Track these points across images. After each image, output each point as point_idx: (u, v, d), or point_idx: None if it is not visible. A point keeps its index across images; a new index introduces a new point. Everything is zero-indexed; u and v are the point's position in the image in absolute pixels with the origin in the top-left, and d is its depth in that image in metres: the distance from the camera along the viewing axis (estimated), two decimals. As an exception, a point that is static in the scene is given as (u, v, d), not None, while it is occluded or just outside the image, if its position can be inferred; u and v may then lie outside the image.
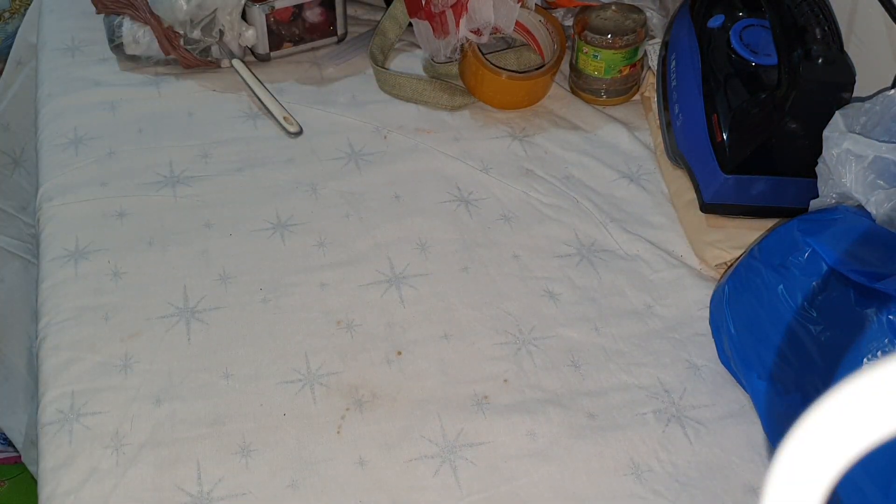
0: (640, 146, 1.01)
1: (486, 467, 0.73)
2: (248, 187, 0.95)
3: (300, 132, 1.01)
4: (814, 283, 0.69)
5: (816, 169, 0.79)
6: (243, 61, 1.08)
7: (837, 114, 0.78)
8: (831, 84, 0.81)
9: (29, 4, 1.26)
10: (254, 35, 1.08)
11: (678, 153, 0.95)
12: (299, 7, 1.09)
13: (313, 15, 1.10)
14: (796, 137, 0.84)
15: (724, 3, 0.98)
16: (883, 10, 0.88)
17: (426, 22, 1.05)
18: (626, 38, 1.02)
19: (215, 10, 1.04)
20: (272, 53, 1.10)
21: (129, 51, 1.07)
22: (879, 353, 0.61)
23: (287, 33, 1.10)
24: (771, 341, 0.71)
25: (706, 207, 0.91)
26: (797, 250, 0.70)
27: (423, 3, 1.04)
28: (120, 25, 1.07)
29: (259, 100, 1.04)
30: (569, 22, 1.10)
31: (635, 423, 0.76)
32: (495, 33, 1.05)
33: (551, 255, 0.90)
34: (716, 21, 0.96)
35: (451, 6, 1.02)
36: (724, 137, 0.89)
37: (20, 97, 1.26)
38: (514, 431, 0.75)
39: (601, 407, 0.77)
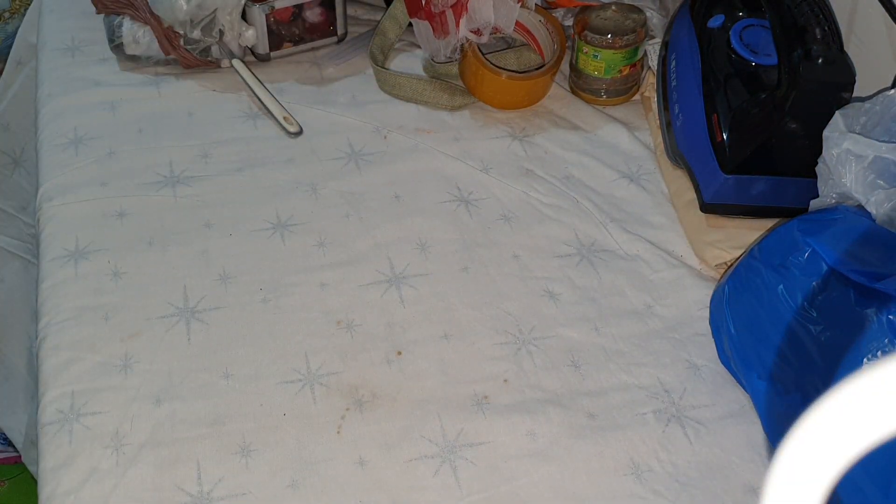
0: (640, 146, 1.01)
1: (486, 467, 0.73)
2: (248, 187, 0.95)
3: (300, 132, 1.01)
4: (814, 283, 0.69)
5: (816, 169, 0.79)
6: (243, 61, 1.08)
7: (837, 114, 0.78)
8: (831, 84, 0.81)
9: (29, 4, 1.26)
10: (254, 35, 1.08)
11: (678, 153, 0.95)
12: (299, 7, 1.09)
13: (313, 15, 1.10)
14: (796, 137, 0.84)
15: (724, 3, 0.98)
16: (883, 10, 0.88)
17: (426, 22, 1.05)
18: (626, 38, 1.02)
19: (215, 10, 1.04)
20: (272, 53, 1.10)
21: (129, 51, 1.07)
22: (879, 353, 0.61)
23: (287, 33, 1.10)
24: (771, 341, 0.71)
25: (706, 207, 0.91)
26: (797, 250, 0.70)
27: (423, 3, 1.04)
28: (120, 25, 1.07)
29: (259, 100, 1.04)
30: (569, 22, 1.10)
31: (635, 423, 0.76)
32: (495, 33, 1.05)
33: (551, 255, 0.90)
34: (716, 21, 0.96)
35: (451, 6, 1.02)
36: (724, 137, 0.89)
37: (20, 97, 1.26)
38: (514, 431, 0.75)
39: (601, 407, 0.77)
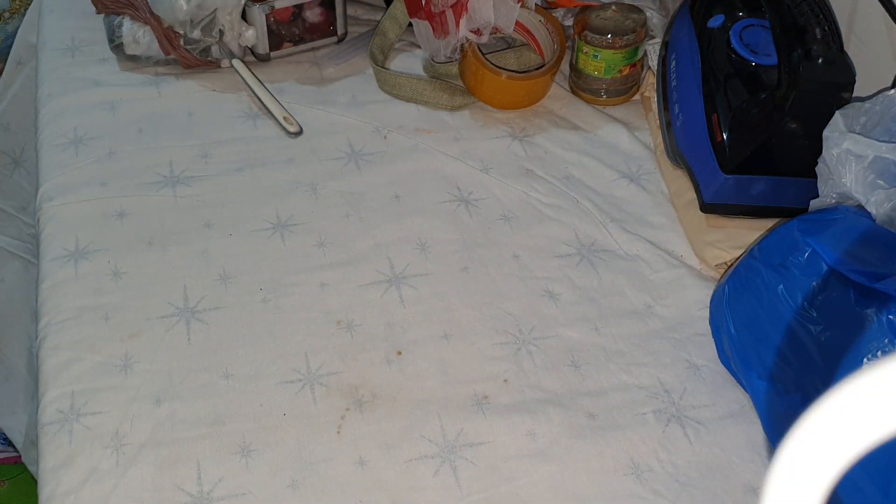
0: (640, 146, 1.01)
1: (486, 467, 0.73)
2: (248, 187, 0.95)
3: (300, 132, 1.01)
4: (814, 283, 0.69)
5: (816, 169, 0.80)
6: (243, 61, 1.08)
7: (837, 114, 0.78)
8: (831, 84, 0.81)
9: (29, 4, 1.26)
10: (254, 35, 1.08)
11: (678, 153, 0.95)
12: (299, 7, 1.09)
13: (313, 15, 1.10)
14: (796, 137, 0.84)
15: (724, 3, 0.98)
16: (883, 10, 0.88)
17: (426, 22, 1.05)
18: (626, 38, 1.02)
19: (215, 10, 1.04)
20: (272, 53, 1.10)
21: (129, 51, 1.07)
22: (879, 353, 0.61)
23: (287, 33, 1.10)
24: (771, 341, 0.71)
25: (706, 207, 0.91)
26: (797, 250, 0.70)
27: (423, 3, 1.04)
28: (120, 25, 1.07)
29: (259, 100, 1.04)
30: (569, 22, 1.10)
31: (635, 423, 0.76)
32: (495, 33, 1.05)
33: (551, 255, 0.90)
34: (716, 21, 0.96)
35: (451, 6, 1.02)
36: (724, 137, 0.89)
37: (20, 97, 1.26)
38: (514, 431, 0.75)
39: (601, 407, 0.77)
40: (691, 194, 0.93)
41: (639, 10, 1.03)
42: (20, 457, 1.38)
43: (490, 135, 1.02)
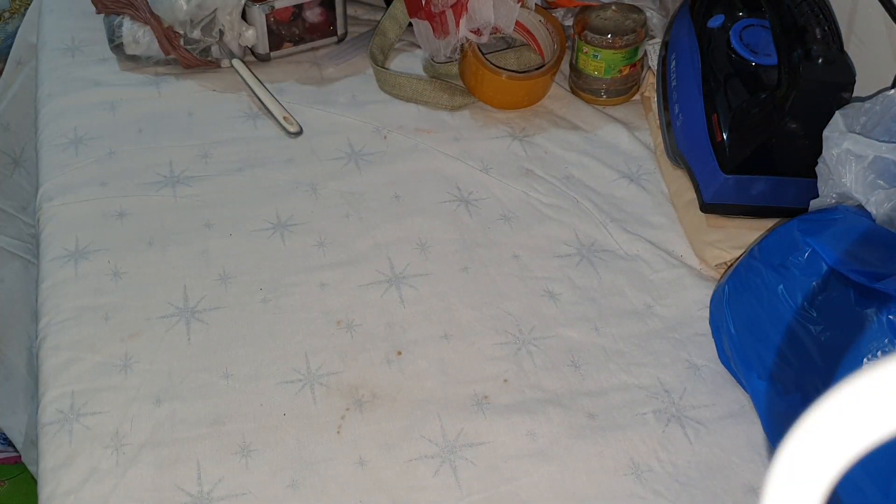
0: (640, 146, 1.01)
1: (486, 467, 0.73)
2: (248, 187, 0.95)
3: (300, 132, 1.01)
4: (814, 283, 0.69)
5: (816, 169, 0.80)
6: (243, 61, 1.08)
7: (837, 114, 0.78)
8: (831, 84, 0.81)
9: (29, 4, 1.26)
10: (254, 35, 1.08)
11: (678, 153, 0.95)
12: (299, 7, 1.09)
13: (313, 15, 1.10)
14: (796, 137, 0.84)
15: (724, 3, 0.98)
16: (883, 10, 0.88)
17: (426, 22, 1.05)
18: (626, 38, 1.02)
19: (215, 10, 1.04)
20: (272, 53, 1.10)
21: (129, 51, 1.07)
22: (879, 353, 0.61)
23: (287, 33, 1.10)
24: (771, 341, 0.71)
25: (706, 207, 0.91)
26: (797, 250, 0.70)
27: (423, 3, 1.04)
28: (120, 25, 1.07)
29: (259, 100, 1.04)
30: (569, 22, 1.10)
31: (635, 423, 0.76)
32: (495, 33, 1.05)
33: (551, 255, 0.90)
34: (716, 21, 0.96)
35: (451, 6, 1.02)
36: (724, 137, 0.89)
37: (20, 97, 1.26)
38: (514, 431, 0.75)
39: (601, 407, 0.77)
40: (691, 194, 0.93)
41: (639, 10, 1.03)
42: (20, 457, 1.38)
43: (490, 135, 1.02)
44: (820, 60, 0.81)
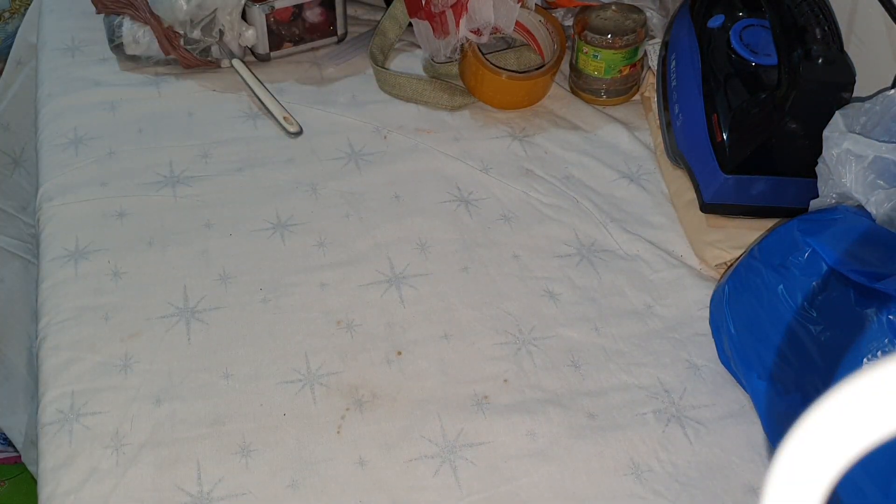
0: (640, 146, 1.01)
1: (486, 467, 0.73)
2: (248, 187, 0.95)
3: (300, 132, 1.01)
4: (814, 283, 0.69)
5: (816, 169, 0.80)
6: (243, 61, 1.08)
7: (837, 114, 0.78)
8: (831, 84, 0.81)
9: (29, 4, 1.26)
10: (254, 35, 1.08)
11: (678, 153, 0.95)
12: (299, 7, 1.09)
13: (313, 15, 1.10)
14: (796, 137, 0.84)
15: (724, 3, 0.98)
16: (883, 10, 0.88)
17: (426, 22, 1.05)
18: (626, 38, 1.02)
19: (215, 10, 1.04)
20: (272, 53, 1.10)
21: (129, 51, 1.07)
22: (879, 353, 0.61)
23: (287, 33, 1.10)
24: (771, 341, 0.71)
25: (706, 207, 0.91)
26: (797, 250, 0.70)
27: (423, 3, 1.04)
28: (120, 25, 1.07)
29: (259, 100, 1.04)
30: (569, 22, 1.10)
31: (635, 423, 0.76)
32: (495, 33, 1.05)
33: (551, 255, 0.90)
34: (716, 21, 0.96)
35: (451, 6, 1.02)
36: (724, 137, 0.89)
37: (20, 97, 1.26)
38: (514, 431, 0.75)
39: (601, 407, 0.77)
40: (691, 194, 0.93)
41: (639, 10, 1.03)
42: (20, 457, 1.38)
43: (490, 135, 1.02)
44: (820, 60, 0.81)
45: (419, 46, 1.10)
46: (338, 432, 0.74)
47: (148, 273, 0.86)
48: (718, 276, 0.88)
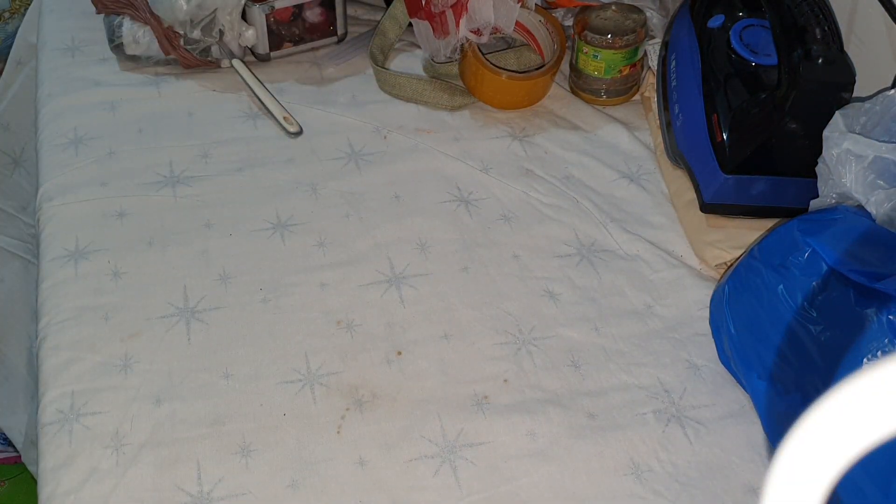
0: (640, 146, 1.01)
1: (486, 467, 0.73)
2: (248, 187, 0.95)
3: (300, 132, 1.01)
4: (814, 283, 0.69)
5: (816, 169, 0.80)
6: (243, 61, 1.08)
7: (837, 114, 0.78)
8: (831, 84, 0.81)
9: (29, 4, 1.26)
10: (254, 35, 1.08)
11: (678, 153, 0.95)
12: (299, 7, 1.09)
13: (313, 15, 1.10)
14: (796, 137, 0.84)
15: (724, 3, 0.98)
16: (883, 10, 0.88)
17: (426, 22, 1.05)
18: (626, 38, 1.02)
19: (215, 10, 1.04)
20: (272, 53, 1.10)
21: (129, 51, 1.07)
22: (879, 353, 0.61)
23: (287, 33, 1.10)
24: (771, 341, 0.71)
25: (706, 207, 0.91)
26: (797, 250, 0.70)
27: (423, 3, 1.04)
28: (120, 25, 1.07)
29: (259, 100, 1.04)
30: (569, 22, 1.10)
31: (635, 423, 0.76)
32: (495, 33, 1.05)
33: (551, 255, 0.90)
34: (716, 21, 0.96)
35: (451, 6, 1.02)
36: (724, 137, 0.89)
37: (20, 97, 1.26)
38: (514, 431, 0.75)
39: (601, 407, 0.77)
40: (691, 194, 0.93)
41: (639, 10, 1.03)
42: (20, 457, 1.38)
43: (490, 135, 1.02)
44: (820, 60, 0.81)
45: (419, 46, 1.10)
46: (338, 432, 0.74)
47: (148, 273, 0.86)
48: (718, 276, 0.88)
